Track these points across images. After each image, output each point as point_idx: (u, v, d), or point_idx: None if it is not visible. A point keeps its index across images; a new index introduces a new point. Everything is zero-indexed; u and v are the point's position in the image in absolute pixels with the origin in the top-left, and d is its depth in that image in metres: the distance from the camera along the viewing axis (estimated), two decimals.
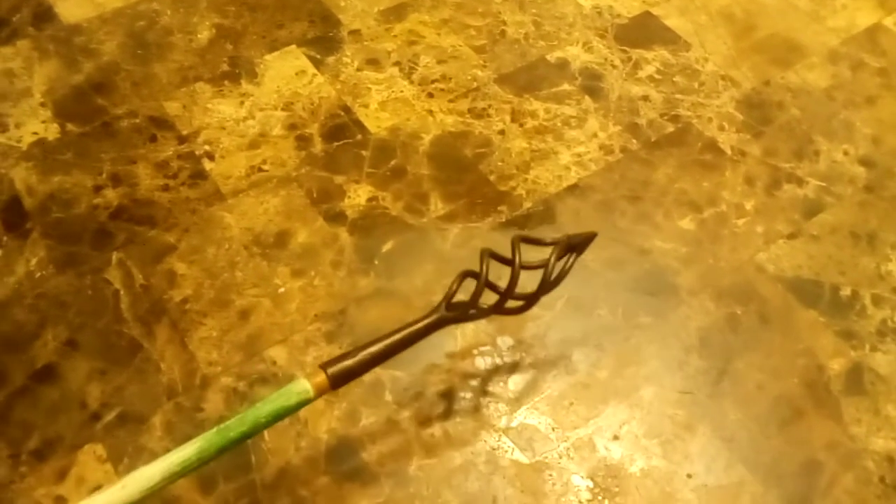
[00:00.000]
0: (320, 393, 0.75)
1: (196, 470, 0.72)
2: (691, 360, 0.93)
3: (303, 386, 0.74)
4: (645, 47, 1.27)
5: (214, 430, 0.73)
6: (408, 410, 0.88)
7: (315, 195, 1.06)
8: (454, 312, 0.80)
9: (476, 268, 0.80)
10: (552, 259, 0.81)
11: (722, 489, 0.84)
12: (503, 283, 0.81)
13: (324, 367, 0.75)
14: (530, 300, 0.85)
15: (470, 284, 0.80)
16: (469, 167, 1.10)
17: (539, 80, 1.21)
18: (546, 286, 0.83)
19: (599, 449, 0.86)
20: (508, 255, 0.80)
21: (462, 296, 0.80)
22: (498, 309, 0.83)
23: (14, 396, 0.88)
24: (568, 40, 1.27)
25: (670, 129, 1.16)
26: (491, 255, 0.80)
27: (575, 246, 0.86)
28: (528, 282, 0.82)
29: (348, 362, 0.76)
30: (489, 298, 0.81)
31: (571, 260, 0.86)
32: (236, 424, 0.73)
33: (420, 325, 0.79)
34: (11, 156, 1.10)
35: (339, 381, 0.76)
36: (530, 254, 0.81)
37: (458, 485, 0.83)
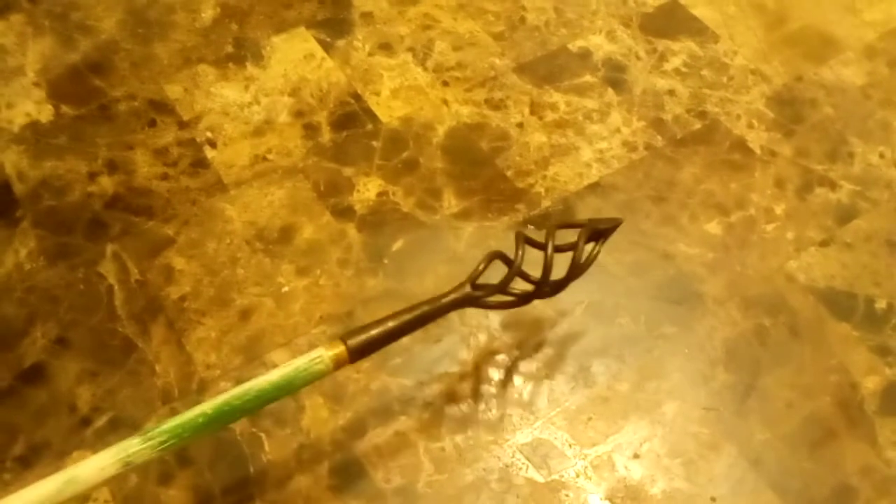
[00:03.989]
0: (339, 365, 0.71)
1: (188, 441, 0.66)
2: (717, 375, 0.88)
3: (320, 356, 0.70)
4: (671, 38, 1.20)
5: (217, 399, 0.67)
6: (417, 422, 0.83)
7: (322, 188, 1.01)
8: (480, 292, 0.78)
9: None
10: (580, 243, 0.80)
11: None
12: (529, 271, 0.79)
13: (343, 338, 0.71)
14: (558, 287, 0.82)
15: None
16: (485, 162, 1.04)
17: (560, 70, 1.15)
18: (576, 270, 0.81)
19: (619, 468, 0.81)
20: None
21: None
22: (528, 298, 0.81)
23: None
24: (591, 29, 1.21)
25: (697, 125, 1.10)
26: (526, 239, 0.79)
27: (601, 232, 0.84)
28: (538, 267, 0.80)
29: (368, 334, 0.72)
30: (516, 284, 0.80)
31: (598, 247, 0.84)
32: (242, 394, 0.67)
33: (445, 300, 0.76)
34: (2, 138, 1.04)
35: (358, 354, 0.72)
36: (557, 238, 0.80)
37: None
